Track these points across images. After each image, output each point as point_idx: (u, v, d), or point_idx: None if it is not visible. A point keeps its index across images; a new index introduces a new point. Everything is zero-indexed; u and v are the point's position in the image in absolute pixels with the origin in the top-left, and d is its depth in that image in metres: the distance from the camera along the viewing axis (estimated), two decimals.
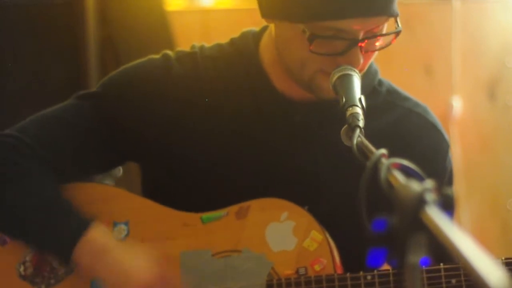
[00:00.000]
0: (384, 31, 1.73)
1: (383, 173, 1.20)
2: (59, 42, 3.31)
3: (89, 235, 1.77)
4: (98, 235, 1.78)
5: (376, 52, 1.78)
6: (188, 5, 3.77)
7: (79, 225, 1.78)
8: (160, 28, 3.39)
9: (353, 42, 1.69)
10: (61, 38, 3.32)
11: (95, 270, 1.78)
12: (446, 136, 1.96)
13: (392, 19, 1.73)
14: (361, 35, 1.69)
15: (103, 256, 1.77)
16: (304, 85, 1.79)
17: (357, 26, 1.68)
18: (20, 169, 1.84)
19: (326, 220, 1.82)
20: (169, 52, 1.92)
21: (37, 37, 3.29)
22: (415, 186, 1.07)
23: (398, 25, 1.74)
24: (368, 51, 1.73)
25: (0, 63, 3.25)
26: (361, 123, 1.53)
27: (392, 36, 1.74)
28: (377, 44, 1.74)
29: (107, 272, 1.78)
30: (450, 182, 1.95)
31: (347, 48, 1.69)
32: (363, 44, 1.69)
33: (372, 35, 1.71)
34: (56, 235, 1.80)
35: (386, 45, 1.75)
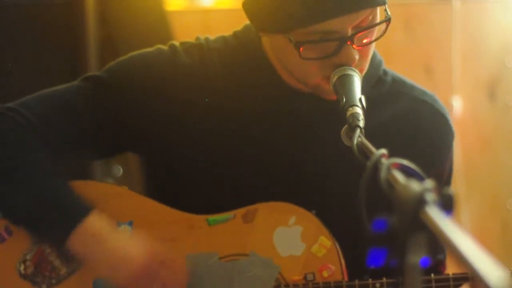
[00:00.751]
0: (377, 21, 1.70)
1: (383, 173, 1.20)
2: (59, 42, 3.31)
3: (85, 223, 1.73)
4: (94, 222, 1.75)
5: (373, 46, 1.75)
6: (188, 5, 3.77)
7: (75, 212, 1.75)
8: (160, 28, 3.39)
9: (343, 40, 1.67)
10: (61, 38, 3.31)
11: (88, 259, 1.76)
12: (453, 125, 1.95)
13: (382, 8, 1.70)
14: (349, 32, 1.67)
15: (96, 244, 1.74)
16: (309, 88, 1.79)
17: (342, 24, 1.66)
18: (26, 145, 1.81)
19: (327, 220, 1.81)
20: (175, 43, 1.91)
21: (37, 37, 3.28)
22: (415, 186, 1.07)
23: (387, 14, 1.71)
24: (362, 46, 1.71)
25: (0, 63, 3.25)
26: (361, 123, 1.53)
27: (384, 26, 1.71)
28: (367, 39, 1.72)
29: (98, 261, 1.75)
30: (450, 172, 1.92)
31: (338, 48, 1.67)
32: (353, 40, 1.67)
33: (361, 29, 1.68)
34: (53, 222, 1.76)
35: (380, 36, 1.72)
